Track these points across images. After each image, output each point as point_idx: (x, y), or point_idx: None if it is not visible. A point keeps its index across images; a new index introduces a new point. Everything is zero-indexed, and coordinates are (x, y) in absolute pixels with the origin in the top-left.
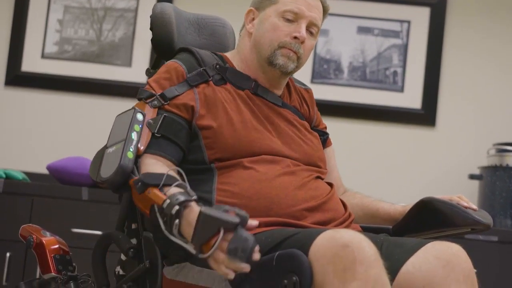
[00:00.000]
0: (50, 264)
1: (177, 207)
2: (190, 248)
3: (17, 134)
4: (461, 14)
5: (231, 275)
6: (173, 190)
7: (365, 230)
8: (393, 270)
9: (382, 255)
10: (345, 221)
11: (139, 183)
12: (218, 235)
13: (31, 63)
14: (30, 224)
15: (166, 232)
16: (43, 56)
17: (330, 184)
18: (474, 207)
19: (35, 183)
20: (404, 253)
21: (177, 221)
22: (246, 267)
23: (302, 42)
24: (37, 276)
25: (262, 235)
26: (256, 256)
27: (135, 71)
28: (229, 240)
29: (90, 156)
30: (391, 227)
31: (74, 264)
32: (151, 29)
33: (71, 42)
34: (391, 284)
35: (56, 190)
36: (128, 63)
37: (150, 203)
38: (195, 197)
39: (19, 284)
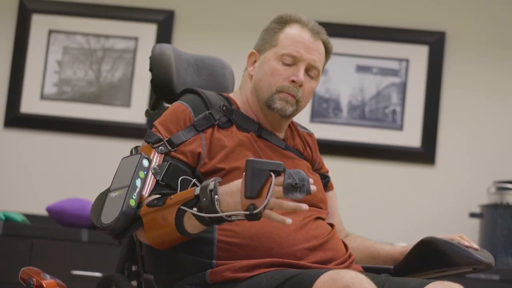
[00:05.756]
0: None
1: (212, 183)
2: (240, 212)
3: (16, 175)
4: (460, 52)
5: (289, 220)
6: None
7: (366, 270)
8: None
9: None
10: (345, 261)
11: (155, 200)
12: (271, 180)
13: (30, 104)
14: (30, 267)
15: (207, 216)
16: (42, 97)
17: (331, 225)
18: (476, 246)
19: (35, 225)
20: None
21: (216, 196)
22: (305, 206)
23: (301, 86)
24: None
25: (263, 277)
26: (314, 187)
27: (134, 112)
28: (281, 182)
29: (89, 197)
30: (392, 267)
31: None
32: (150, 70)
33: (70, 83)
34: None
35: (55, 232)
36: (127, 103)
37: (176, 206)
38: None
39: None
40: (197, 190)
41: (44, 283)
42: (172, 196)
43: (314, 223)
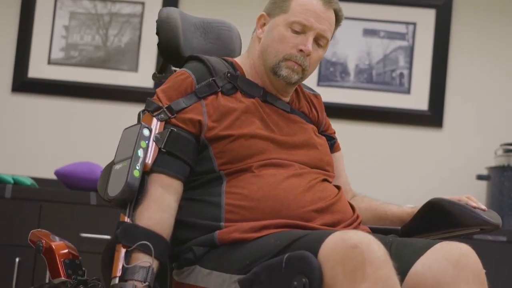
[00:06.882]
0: (60, 268)
1: None
2: None
3: (25, 140)
4: (467, 16)
5: None
6: (133, 264)
7: (374, 231)
8: (402, 271)
9: (391, 256)
10: (353, 223)
11: (115, 233)
12: None
13: (37, 69)
14: (40, 229)
15: None
16: (50, 62)
17: (338, 187)
18: (483, 207)
19: (43, 189)
20: (413, 253)
21: None
22: None
23: (308, 55)
24: (47, 281)
25: (271, 237)
26: None
27: (142, 76)
28: None
29: (97, 161)
30: (399, 228)
31: (83, 268)
32: (157, 33)
33: (77, 48)
34: (401, 285)
35: (64, 195)
36: (134, 68)
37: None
38: (147, 283)
39: None
40: (114, 281)
41: (53, 244)
42: (118, 248)
43: (321, 185)
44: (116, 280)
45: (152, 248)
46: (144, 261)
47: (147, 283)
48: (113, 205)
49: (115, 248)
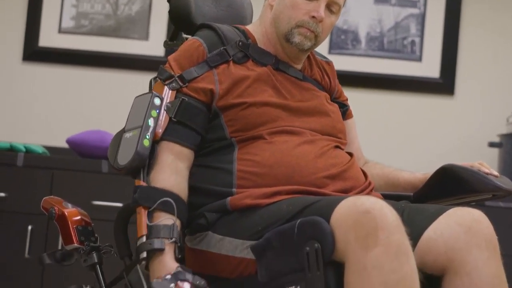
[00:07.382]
0: (73, 235)
1: (144, 254)
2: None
3: (36, 108)
4: None
5: None
6: (157, 222)
7: (386, 197)
8: (414, 236)
9: (403, 222)
10: (365, 189)
11: (133, 197)
12: None
13: (48, 38)
14: (52, 196)
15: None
16: (60, 31)
17: (350, 154)
18: (496, 173)
19: (55, 157)
20: (426, 219)
21: (143, 262)
22: None
23: (321, 21)
24: (60, 248)
25: (283, 203)
26: None
27: (152, 45)
28: None
29: (108, 129)
30: (412, 194)
31: (96, 235)
32: (168, 1)
33: (87, 16)
34: (413, 250)
35: (76, 163)
36: (145, 36)
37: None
38: (174, 239)
39: (42, 256)
40: (140, 241)
41: (66, 211)
42: (139, 210)
43: (333, 152)
44: (144, 239)
45: (174, 205)
46: (167, 218)
47: (174, 239)
48: (123, 174)
49: (127, 214)
